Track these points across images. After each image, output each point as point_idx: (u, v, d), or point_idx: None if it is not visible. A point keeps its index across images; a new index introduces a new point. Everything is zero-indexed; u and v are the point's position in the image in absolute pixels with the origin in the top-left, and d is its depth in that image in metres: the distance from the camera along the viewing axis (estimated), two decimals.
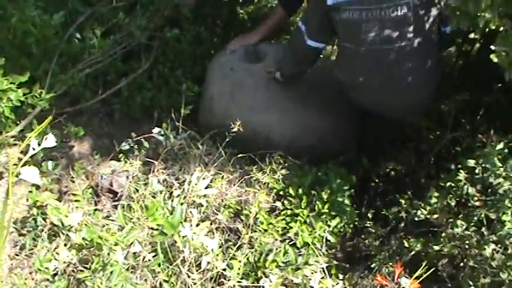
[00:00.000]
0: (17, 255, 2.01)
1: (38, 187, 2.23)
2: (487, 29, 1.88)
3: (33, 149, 1.45)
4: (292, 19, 3.38)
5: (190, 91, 2.73)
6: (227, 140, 2.17)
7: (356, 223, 2.21)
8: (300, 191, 2.07)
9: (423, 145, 2.37)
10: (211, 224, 2.01)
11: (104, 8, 2.49)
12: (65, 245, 1.92)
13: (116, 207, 2.15)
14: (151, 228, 1.78)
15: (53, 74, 2.25)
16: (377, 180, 2.43)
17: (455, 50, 2.76)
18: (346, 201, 2.14)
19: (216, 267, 1.73)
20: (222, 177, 2.14)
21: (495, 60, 1.45)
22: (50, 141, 1.44)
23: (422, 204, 1.88)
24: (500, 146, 1.65)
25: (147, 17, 2.60)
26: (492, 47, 1.46)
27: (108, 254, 1.68)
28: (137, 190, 2.15)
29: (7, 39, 2.04)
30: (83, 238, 1.79)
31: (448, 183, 1.91)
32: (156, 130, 2.27)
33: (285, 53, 2.58)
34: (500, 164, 1.63)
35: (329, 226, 2.06)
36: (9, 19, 1.96)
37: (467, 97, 2.41)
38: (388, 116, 2.36)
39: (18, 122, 2.21)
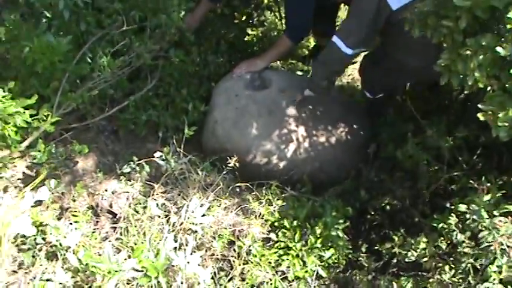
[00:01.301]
0: (15, 271, 2.06)
1: (40, 202, 2.29)
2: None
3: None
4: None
5: (196, 110, 2.79)
6: (227, 167, 2.21)
7: (350, 256, 2.25)
8: (295, 223, 2.11)
9: (420, 181, 2.39)
10: (205, 251, 2.05)
11: (115, 30, 2.55)
12: (62, 266, 1.97)
13: (114, 228, 2.20)
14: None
15: (62, 93, 2.31)
16: (373, 213, 2.46)
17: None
18: (340, 234, 2.17)
19: None
20: (219, 204, 2.18)
21: (482, 118, 1.49)
22: (44, 194, 1.52)
23: (414, 245, 1.90)
24: (487, 197, 1.68)
25: (154, 39, 2.66)
26: (479, 106, 1.50)
27: (102, 280, 1.72)
28: (136, 212, 2.20)
29: (19, 60, 2.10)
30: (79, 261, 1.84)
31: (440, 225, 1.93)
32: (157, 154, 2.32)
33: (317, 68, 2.64)
34: (486, 216, 1.66)
35: (322, 258, 2.10)
36: (22, 45, 2.02)
37: (466, 134, 2.43)
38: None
39: (25, 138, 2.27)
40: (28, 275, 2.03)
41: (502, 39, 1.53)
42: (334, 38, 2.41)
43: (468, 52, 1.57)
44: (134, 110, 2.75)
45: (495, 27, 1.60)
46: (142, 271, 1.75)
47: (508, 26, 1.48)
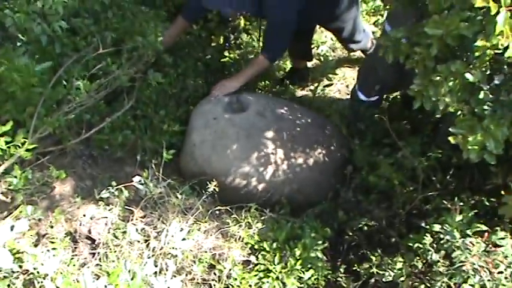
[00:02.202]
0: None
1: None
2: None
3: None
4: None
5: (175, 132, 2.80)
6: (206, 190, 2.22)
7: (329, 276, 2.27)
8: (274, 245, 2.13)
9: (395, 202, 2.45)
10: (186, 275, 2.05)
11: (90, 53, 2.55)
12: None
13: (93, 254, 2.18)
14: None
15: (38, 117, 2.30)
16: (351, 234, 2.49)
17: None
18: (319, 256, 2.20)
19: None
20: (199, 228, 2.19)
21: (452, 141, 1.55)
22: (23, 225, 1.52)
23: (391, 265, 1.94)
24: (460, 217, 1.73)
25: (131, 61, 2.67)
26: (450, 129, 1.56)
27: None
28: (115, 237, 2.19)
29: None
30: None
31: (416, 245, 1.98)
32: (136, 179, 2.32)
33: (369, 71, 2.75)
34: (459, 236, 1.71)
35: (301, 280, 2.12)
36: None
37: (439, 155, 2.50)
38: None
39: None
40: None
41: (471, 66, 1.60)
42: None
43: (439, 78, 1.64)
44: (110, 132, 2.73)
45: (464, 54, 1.67)
46: None
47: (476, 54, 1.55)
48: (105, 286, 1.66)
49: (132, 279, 1.74)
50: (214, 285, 1.99)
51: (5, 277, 2.03)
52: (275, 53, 2.99)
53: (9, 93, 2.19)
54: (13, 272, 2.03)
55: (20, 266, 2.02)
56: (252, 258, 2.12)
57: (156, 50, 2.75)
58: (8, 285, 2.02)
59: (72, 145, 2.60)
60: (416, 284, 1.85)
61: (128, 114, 2.80)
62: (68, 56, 2.50)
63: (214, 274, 2.06)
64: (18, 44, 2.31)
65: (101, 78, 2.59)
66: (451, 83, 1.62)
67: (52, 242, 2.14)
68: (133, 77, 2.78)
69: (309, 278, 2.16)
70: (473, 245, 1.73)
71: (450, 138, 1.57)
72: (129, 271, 1.79)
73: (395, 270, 1.94)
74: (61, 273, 1.94)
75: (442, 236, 1.85)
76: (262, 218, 2.31)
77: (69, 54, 2.52)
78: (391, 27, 2.59)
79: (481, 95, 1.62)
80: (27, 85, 2.16)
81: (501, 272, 1.74)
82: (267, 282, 2.02)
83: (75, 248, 2.22)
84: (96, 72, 2.59)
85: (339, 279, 2.28)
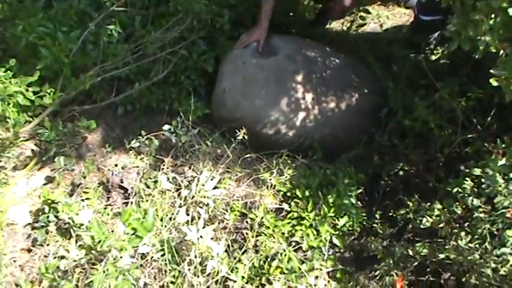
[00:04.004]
0: (29, 250, 2.08)
1: (51, 180, 2.29)
2: None
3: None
4: None
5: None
6: (236, 138, 2.18)
7: (364, 223, 2.23)
8: (307, 192, 2.09)
9: (433, 145, 2.35)
10: (218, 224, 2.05)
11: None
12: (76, 243, 1.97)
13: (126, 204, 2.19)
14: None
15: (65, 76, 2.26)
16: (386, 179, 2.43)
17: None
18: (353, 202, 2.15)
19: (221, 271, 1.77)
20: (230, 176, 2.16)
21: (495, 84, 1.44)
22: (39, 180, 1.52)
23: (428, 211, 1.88)
24: (503, 161, 1.63)
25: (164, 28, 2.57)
26: (492, 71, 1.44)
27: (115, 257, 1.72)
28: (147, 186, 2.19)
29: (19, 39, 2.04)
30: (92, 238, 1.84)
31: (455, 190, 1.90)
32: (166, 127, 2.29)
33: None
34: (502, 181, 1.62)
35: (336, 227, 2.09)
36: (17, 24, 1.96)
37: (480, 95, 2.37)
38: None
39: (31, 119, 2.24)
40: (42, 252, 2.05)
41: None
42: None
43: (478, 17, 1.50)
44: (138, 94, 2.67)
45: None
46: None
47: None
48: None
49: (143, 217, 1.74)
50: (247, 233, 1.97)
51: (42, 226, 2.08)
52: None
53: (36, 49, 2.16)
54: (49, 221, 2.07)
55: (56, 216, 2.06)
56: (285, 206, 2.09)
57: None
58: (46, 233, 2.06)
59: (102, 97, 2.57)
60: (456, 230, 1.79)
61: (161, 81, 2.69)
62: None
63: (247, 222, 2.04)
64: None
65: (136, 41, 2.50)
66: (491, 21, 1.48)
67: (86, 192, 2.16)
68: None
69: (344, 225, 2.13)
70: None
71: (491, 80, 1.46)
72: (143, 210, 1.79)
73: (433, 216, 1.88)
74: (96, 222, 1.96)
75: (483, 180, 1.76)
76: (294, 164, 2.26)
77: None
78: None
79: None
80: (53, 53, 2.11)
81: None
82: (300, 230, 2.00)
83: (108, 197, 2.24)
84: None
85: (375, 225, 2.24)
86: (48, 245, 2.04)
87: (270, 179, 2.13)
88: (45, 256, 2.06)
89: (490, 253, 1.62)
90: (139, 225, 1.68)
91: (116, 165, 2.36)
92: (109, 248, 1.69)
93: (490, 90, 2.31)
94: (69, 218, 1.99)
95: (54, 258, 1.98)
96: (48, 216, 2.06)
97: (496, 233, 1.65)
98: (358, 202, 2.21)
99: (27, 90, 1.98)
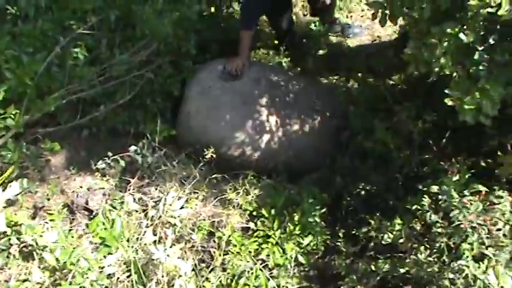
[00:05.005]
0: None
1: (13, 203, 2.24)
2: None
3: None
4: None
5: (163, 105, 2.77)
6: (203, 159, 2.21)
7: (328, 241, 2.28)
8: (273, 211, 2.13)
9: (392, 166, 2.44)
10: (185, 243, 2.06)
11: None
12: (39, 265, 1.94)
13: None
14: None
15: (29, 98, 2.24)
16: (349, 199, 2.50)
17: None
18: (318, 221, 2.20)
19: None
20: (197, 196, 2.19)
21: (450, 103, 1.54)
22: (14, 189, 1.51)
23: (389, 228, 1.95)
24: (457, 178, 1.73)
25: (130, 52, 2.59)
26: (446, 91, 1.54)
27: (82, 277, 1.71)
28: (114, 208, 2.18)
29: None
30: (57, 259, 1.82)
31: (414, 207, 1.98)
32: (132, 148, 2.30)
33: None
34: (456, 196, 1.71)
35: (301, 245, 2.13)
36: None
37: (435, 118, 2.49)
38: None
39: None
40: (3, 276, 2.00)
41: (465, 27, 1.57)
42: None
43: (433, 40, 1.61)
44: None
45: (458, 15, 1.64)
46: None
47: (469, 13, 1.52)
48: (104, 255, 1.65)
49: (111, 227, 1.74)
50: (214, 252, 1.99)
51: (3, 250, 2.03)
52: (241, 21, 3.01)
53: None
54: (11, 244, 2.02)
55: (18, 239, 2.01)
56: (251, 225, 2.13)
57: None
58: (7, 257, 2.01)
59: (66, 119, 2.56)
60: (416, 245, 1.86)
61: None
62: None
63: (214, 241, 2.06)
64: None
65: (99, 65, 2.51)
66: (445, 44, 1.59)
67: (50, 214, 2.13)
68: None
69: (308, 244, 2.17)
70: (471, 203, 1.73)
71: (446, 100, 1.56)
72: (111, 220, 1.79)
73: (394, 232, 1.95)
74: (60, 244, 1.93)
75: (439, 196, 1.85)
76: (260, 184, 2.31)
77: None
78: None
79: (476, 56, 1.59)
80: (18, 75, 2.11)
81: (499, 230, 1.75)
82: (267, 247, 2.03)
83: (73, 219, 2.22)
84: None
85: (338, 243, 2.29)
86: (9, 268, 1.99)
87: (237, 199, 2.16)
88: (6, 281, 2.01)
89: (448, 265, 1.69)
90: (107, 234, 1.68)
91: (81, 187, 2.35)
92: (75, 269, 1.67)
93: (444, 114, 2.44)
94: (32, 240, 1.95)
95: (17, 281, 1.93)
96: (10, 239, 2.02)
97: (452, 246, 1.73)
98: (322, 222, 2.26)
99: None
